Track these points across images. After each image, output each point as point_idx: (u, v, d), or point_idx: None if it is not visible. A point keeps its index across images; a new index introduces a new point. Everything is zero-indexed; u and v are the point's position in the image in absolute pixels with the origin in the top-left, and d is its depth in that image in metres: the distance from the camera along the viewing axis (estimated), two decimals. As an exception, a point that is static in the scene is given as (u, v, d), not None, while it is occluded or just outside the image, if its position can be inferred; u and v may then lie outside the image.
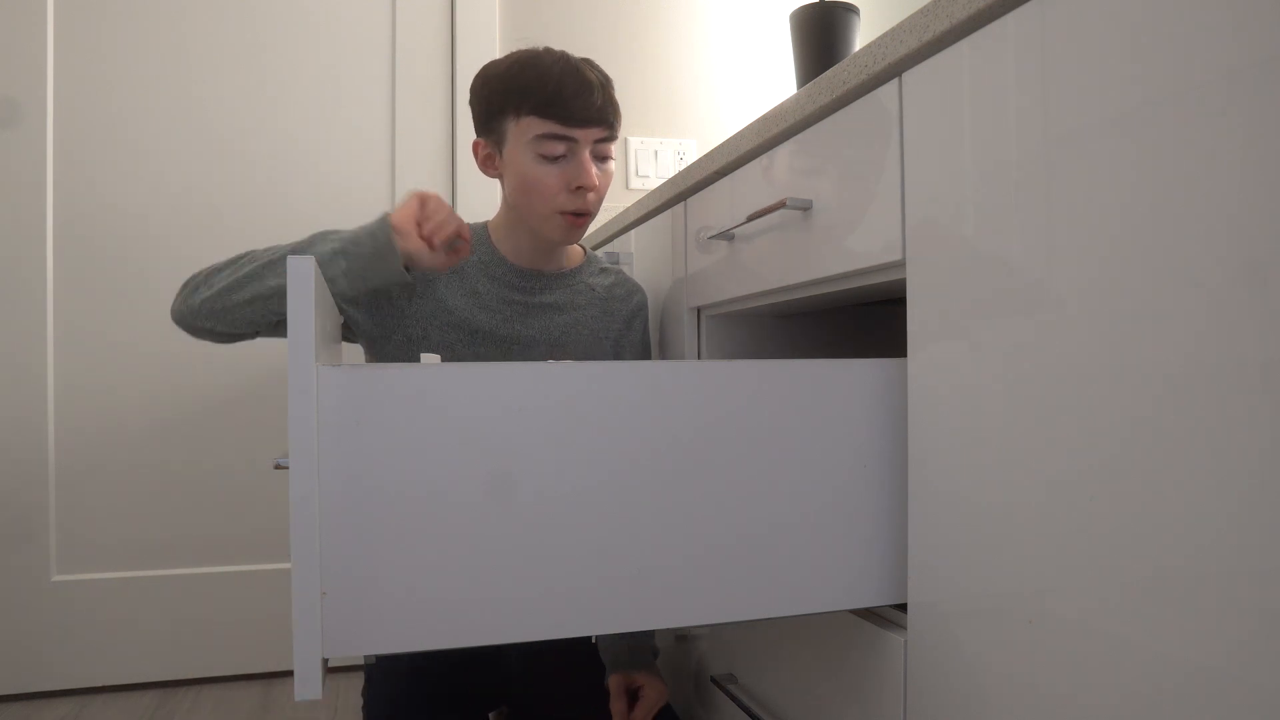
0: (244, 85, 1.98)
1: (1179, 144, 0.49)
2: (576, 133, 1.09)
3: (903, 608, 0.77)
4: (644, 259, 1.43)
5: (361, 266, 1.02)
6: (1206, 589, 0.48)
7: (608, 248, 1.64)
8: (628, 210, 1.50)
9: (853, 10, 1.56)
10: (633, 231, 1.50)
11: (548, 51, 1.12)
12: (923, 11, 0.69)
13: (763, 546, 0.73)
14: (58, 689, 1.88)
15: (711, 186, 1.14)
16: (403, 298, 1.14)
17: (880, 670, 0.78)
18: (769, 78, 2.30)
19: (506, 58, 1.14)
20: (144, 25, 1.94)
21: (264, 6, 2.00)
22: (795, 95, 0.90)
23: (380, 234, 1.01)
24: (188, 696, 1.87)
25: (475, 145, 1.17)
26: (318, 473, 0.64)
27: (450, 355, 1.16)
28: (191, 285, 1.05)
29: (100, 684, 1.89)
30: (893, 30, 0.73)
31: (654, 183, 2.21)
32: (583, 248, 1.29)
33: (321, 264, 1.00)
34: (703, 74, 2.27)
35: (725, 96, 2.28)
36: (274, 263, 1.02)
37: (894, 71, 0.74)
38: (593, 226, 2.13)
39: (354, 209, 2.03)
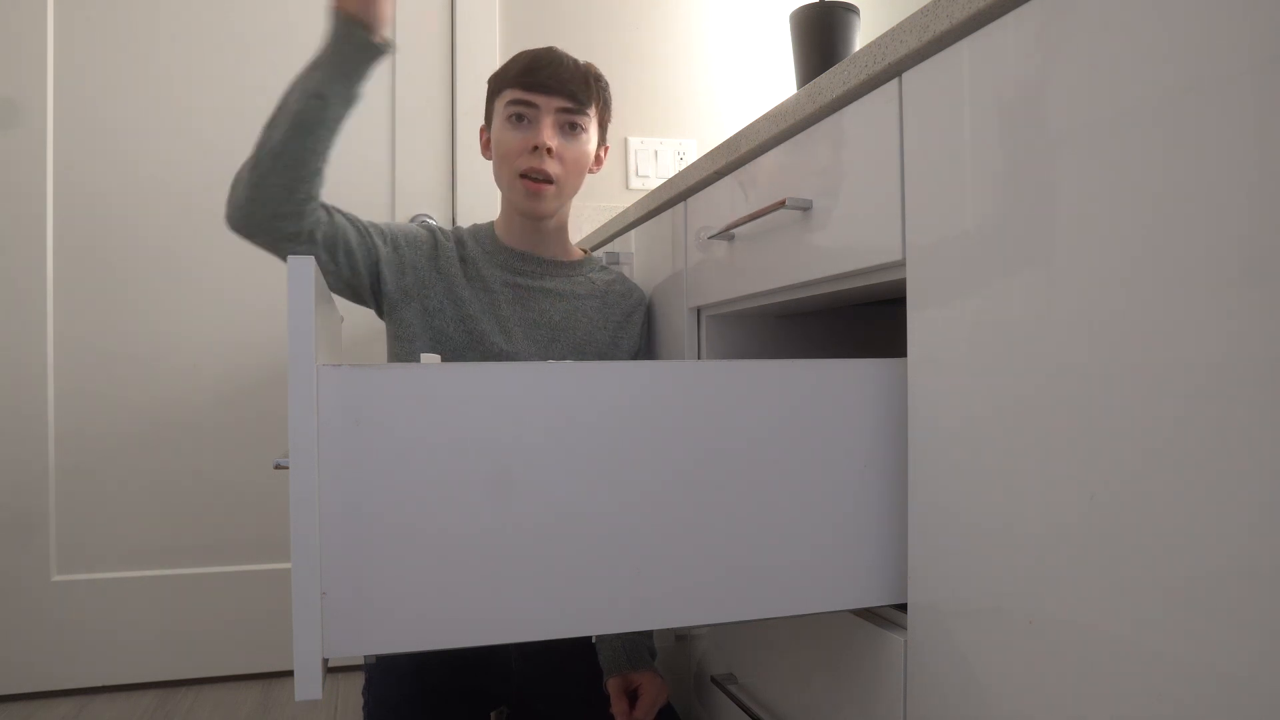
0: (245, 86, 1.98)
1: (1180, 143, 0.49)
2: (538, 98, 1.19)
3: (903, 608, 0.77)
4: (644, 259, 1.43)
5: (339, 60, 1.04)
6: (1207, 588, 0.48)
7: (608, 248, 1.64)
8: (628, 210, 1.49)
9: (853, 10, 1.56)
10: (632, 231, 1.50)
11: (539, 47, 1.23)
12: (923, 11, 0.69)
13: (763, 546, 0.73)
14: (58, 689, 1.88)
15: (711, 186, 1.14)
16: (425, 266, 1.21)
17: (880, 670, 0.78)
18: (769, 78, 2.30)
19: None
20: (144, 26, 1.94)
21: (266, 7, 2.00)
22: (795, 95, 0.90)
23: (335, 23, 1.04)
24: (188, 696, 1.87)
25: (480, 130, 1.30)
26: (318, 472, 0.64)
27: (457, 336, 1.21)
28: (235, 179, 1.09)
29: (100, 684, 1.90)
30: (893, 30, 0.73)
31: (654, 183, 2.21)
32: (585, 251, 1.36)
33: (310, 87, 1.04)
34: (703, 74, 2.27)
35: (725, 96, 2.28)
36: (286, 97, 1.05)
37: (894, 71, 0.74)
38: (591, 225, 2.13)
39: (355, 209, 2.02)
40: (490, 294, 1.23)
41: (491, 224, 1.30)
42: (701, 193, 1.17)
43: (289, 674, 1.95)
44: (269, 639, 1.97)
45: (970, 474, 0.66)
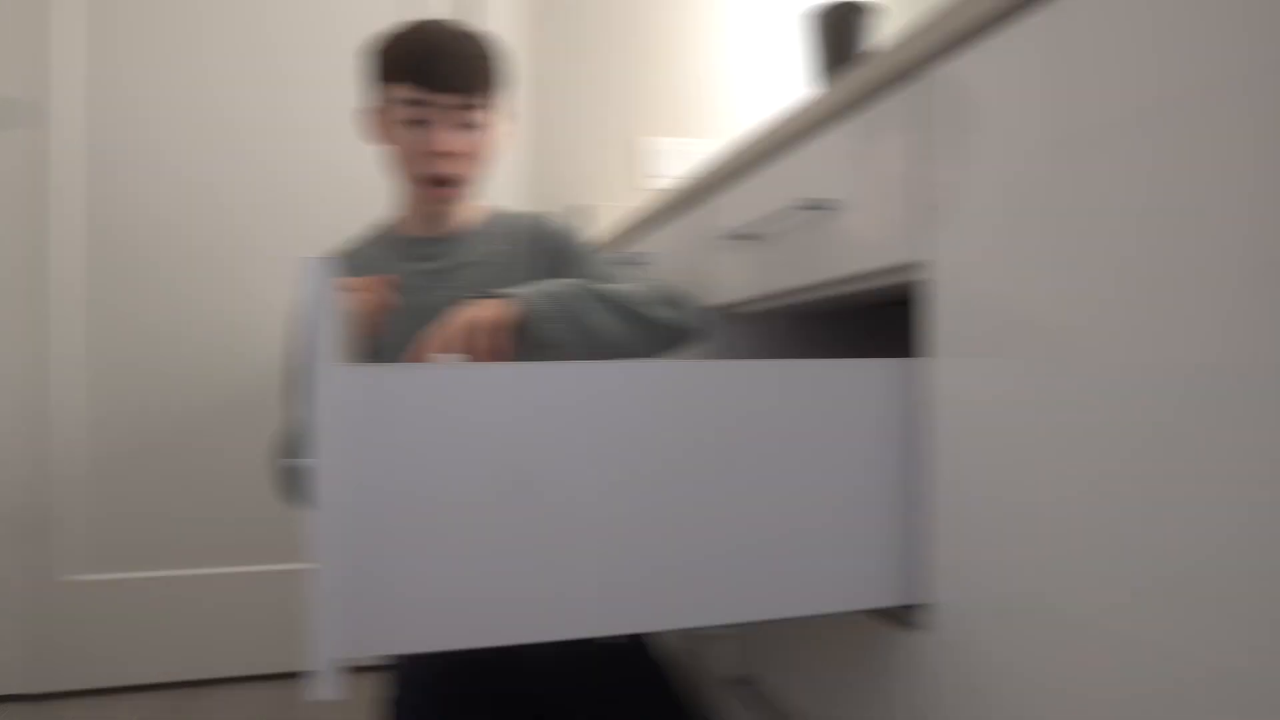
0: (252, 84, 1.99)
1: (1210, 144, 0.48)
2: (435, 97, 1.11)
3: (915, 609, 0.76)
4: (665, 258, 1.42)
5: None
6: (1239, 589, 0.47)
7: (628, 248, 1.64)
8: (647, 210, 1.49)
9: (870, 9, 1.55)
10: (653, 231, 1.50)
11: (431, 21, 1.15)
12: (947, 10, 0.68)
13: (775, 546, 0.73)
14: (75, 689, 1.88)
15: (732, 186, 1.13)
16: None
17: (899, 671, 0.77)
18: (787, 78, 2.29)
19: (393, 28, 1.16)
20: (151, 24, 1.94)
21: (275, 5, 2.00)
22: (818, 94, 0.90)
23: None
24: (205, 697, 1.87)
25: (360, 112, 1.23)
26: (336, 472, 0.64)
27: (395, 340, 1.16)
28: (274, 449, 1.14)
29: (117, 684, 1.90)
30: (917, 28, 0.72)
31: (664, 182, 2.21)
32: (488, 207, 1.30)
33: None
34: (720, 75, 2.26)
35: (743, 97, 2.27)
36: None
37: (919, 70, 0.74)
38: (606, 223, 2.13)
39: (363, 206, 2.03)
40: (409, 290, 1.18)
41: (392, 220, 1.27)
42: (721, 192, 1.16)
43: (307, 674, 1.96)
44: (286, 639, 1.97)
45: (994, 475, 0.66)
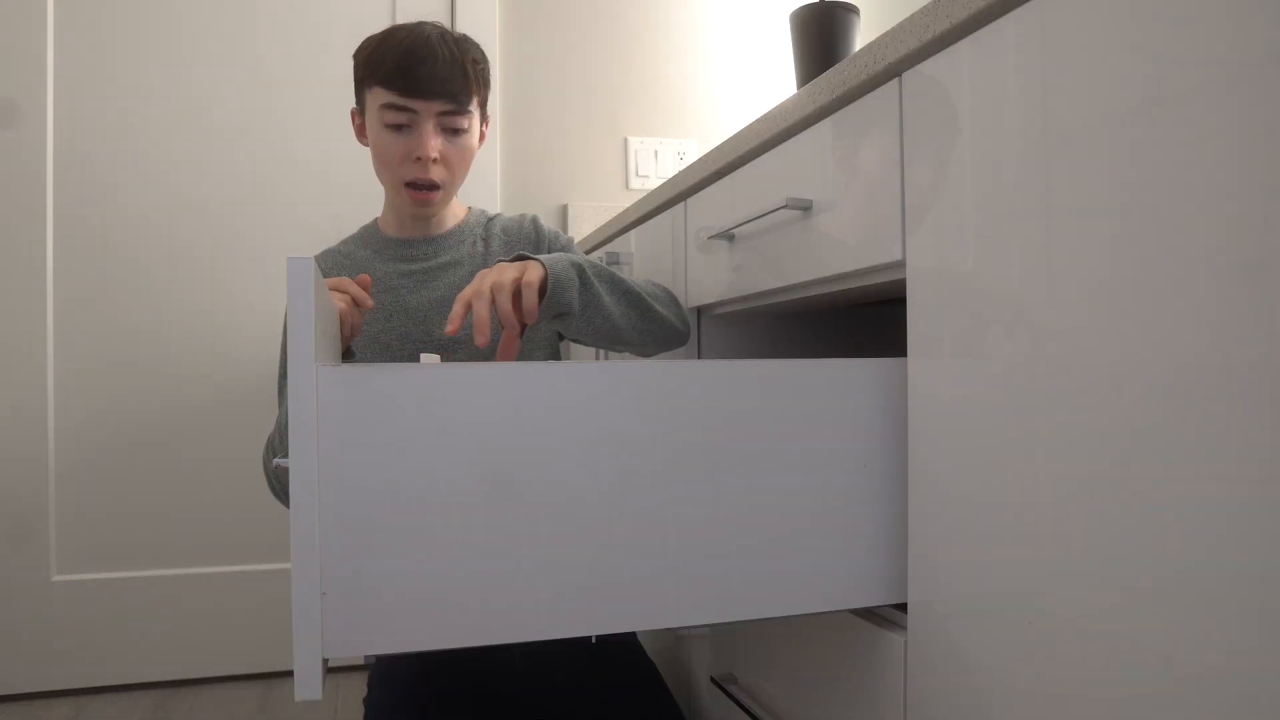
0: (243, 85, 1.98)
1: (1179, 144, 0.49)
2: (416, 104, 1.12)
3: (903, 608, 0.77)
4: (644, 259, 1.43)
5: None
6: (1206, 590, 0.48)
7: (608, 248, 1.64)
8: (627, 210, 1.49)
9: (853, 10, 1.56)
10: (633, 231, 1.50)
11: (415, 24, 1.15)
12: (923, 11, 0.69)
13: (763, 546, 0.73)
14: (58, 689, 1.88)
15: (711, 186, 1.13)
16: None
17: (880, 670, 0.78)
18: (769, 78, 2.30)
19: (376, 32, 1.17)
20: (144, 26, 1.94)
21: (264, 6, 2.00)
22: (795, 95, 0.90)
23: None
24: (188, 697, 1.87)
25: (351, 114, 1.24)
26: (318, 472, 0.64)
27: (384, 339, 1.19)
28: (268, 448, 1.10)
29: (100, 684, 1.90)
30: (893, 30, 0.73)
31: (654, 183, 2.21)
32: (472, 208, 1.32)
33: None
34: (703, 74, 2.27)
35: (725, 96, 2.28)
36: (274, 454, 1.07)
37: (894, 71, 0.74)
38: (592, 225, 2.13)
39: (351, 207, 2.03)
40: (392, 291, 1.21)
41: (376, 221, 1.28)
42: (701, 193, 1.17)
43: (289, 674, 1.95)
44: (269, 639, 1.97)
45: (970, 474, 0.66)
